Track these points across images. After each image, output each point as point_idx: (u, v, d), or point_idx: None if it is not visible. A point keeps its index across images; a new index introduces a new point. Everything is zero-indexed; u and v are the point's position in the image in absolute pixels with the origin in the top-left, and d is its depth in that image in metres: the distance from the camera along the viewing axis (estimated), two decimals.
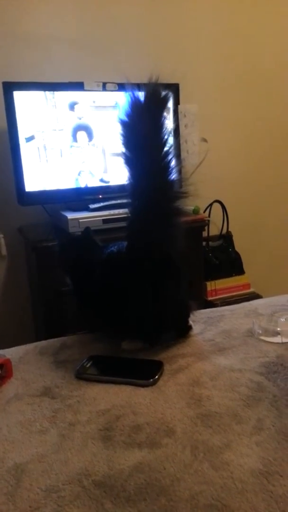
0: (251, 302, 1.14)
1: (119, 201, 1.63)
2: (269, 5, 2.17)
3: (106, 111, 1.72)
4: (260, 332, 0.90)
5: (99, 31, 1.87)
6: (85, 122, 1.70)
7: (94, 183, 1.75)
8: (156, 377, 0.76)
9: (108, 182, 1.77)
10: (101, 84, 1.68)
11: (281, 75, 2.26)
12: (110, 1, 1.87)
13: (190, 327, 0.92)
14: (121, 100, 1.72)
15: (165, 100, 0.86)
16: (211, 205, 2.10)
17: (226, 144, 2.20)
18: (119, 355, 0.86)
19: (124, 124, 0.84)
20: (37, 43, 1.77)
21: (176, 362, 0.82)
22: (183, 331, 0.92)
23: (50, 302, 1.56)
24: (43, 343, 0.95)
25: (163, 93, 0.85)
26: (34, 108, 1.60)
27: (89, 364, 0.82)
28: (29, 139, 1.62)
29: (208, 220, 2.00)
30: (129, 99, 0.83)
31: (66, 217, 1.55)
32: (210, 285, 1.95)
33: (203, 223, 1.84)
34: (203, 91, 2.08)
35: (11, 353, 0.90)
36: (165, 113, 0.85)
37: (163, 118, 0.85)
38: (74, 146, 1.70)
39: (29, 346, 0.94)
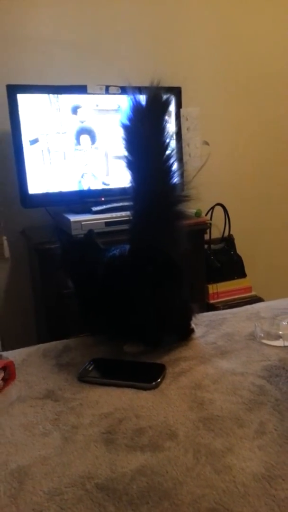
0: (253, 305, 1.14)
1: (121, 204, 1.63)
2: (271, 7, 2.18)
3: (108, 115, 1.73)
4: (262, 335, 0.90)
5: (101, 34, 1.88)
6: (88, 125, 1.70)
7: (97, 185, 1.76)
8: (159, 380, 0.76)
9: (108, 184, 1.77)
10: (104, 87, 1.69)
11: (283, 78, 2.27)
12: (113, 5, 1.88)
13: (192, 330, 0.93)
14: (123, 104, 1.73)
15: (166, 104, 0.86)
16: (213, 208, 2.10)
17: (228, 147, 2.20)
18: (121, 358, 0.86)
19: (125, 128, 0.84)
20: (40, 46, 1.78)
21: (178, 365, 0.82)
22: (185, 334, 0.92)
23: (52, 304, 1.56)
24: (46, 345, 0.96)
25: (165, 96, 0.86)
26: (38, 111, 1.61)
27: (91, 367, 0.82)
28: (33, 142, 1.62)
29: (210, 223, 2.00)
30: (131, 103, 0.83)
31: (68, 219, 1.55)
32: (212, 288, 1.95)
33: (205, 226, 1.85)
34: (205, 94, 2.09)
35: (14, 355, 0.90)
36: (166, 117, 0.86)
37: (164, 122, 0.85)
38: (77, 149, 1.70)
39: (32, 349, 0.94)
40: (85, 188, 1.75)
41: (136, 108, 0.83)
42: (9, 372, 0.81)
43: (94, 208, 1.65)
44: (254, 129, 2.26)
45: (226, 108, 2.18)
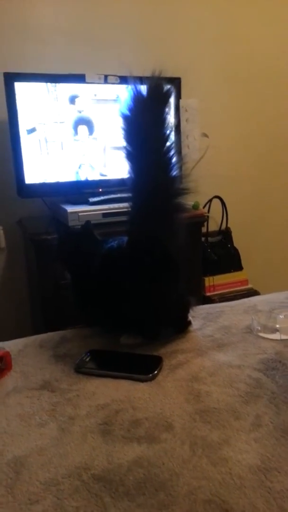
0: (250, 298, 1.14)
1: (119, 195, 1.62)
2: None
3: (107, 105, 1.71)
4: (259, 328, 0.90)
5: (101, 23, 1.86)
6: (86, 115, 1.69)
7: (94, 176, 1.75)
8: (155, 372, 0.76)
9: (106, 175, 1.76)
10: (102, 76, 1.67)
11: (284, 70, 2.25)
12: None
13: (189, 323, 0.93)
14: (122, 94, 1.71)
15: (167, 95, 0.85)
16: (210, 200, 2.10)
17: (227, 140, 2.19)
18: (118, 350, 0.86)
19: (125, 118, 0.83)
20: (38, 34, 1.76)
21: (175, 358, 0.82)
22: (182, 326, 0.92)
23: (48, 295, 1.55)
24: (42, 336, 0.95)
25: (166, 87, 0.85)
26: (36, 100, 1.59)
27: (88, 358, 0.82)
28: (31, 131, 1.61)
29: (208, 216, 2.00)
30: (132, 93, 0.82)
31: (65, 210, 1.54)
32: (208, 281, 1.96)
33: (203, 219, 1.84)
34: (205, 86, 2.07)
35: (11, 345, 0.90)
36: (167, 108, 0.85)
37: (165, 113, 0.84)
38: (75, 140, 1.69)
39: (29, 339, 0.94)
40: (83, 178, 1.73)
41: (137, 98, 0.82)
42: (5, 362, 0.81)
43: (92, 199, 1.64)
44: (254, 122, 2.25)
45: (226, 100, 2.16)
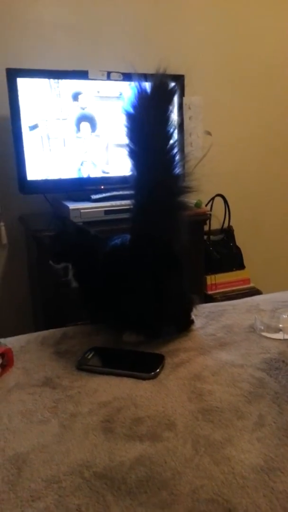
0: (253, 297, 1.14)
1: (121, 192, 1.62)
2: None
3: (110, 102, 1.71)
4: (262, 328, 0.89)
5: (104, 19, 1.85)
6: (88, 112, 1.68)
7: (97, 173, 1.74)
8: (157, 370, 0.76)
9: (108, 173, 1.75)
10: (105, 73, 1.66)
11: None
12: None
13: (192, 321, 0.92)
14: (125, 91, 1.70)
15: (172, 93, 0.85)
16: (213, 199, 2.09)
17: (230, 138, 2.18)
18: (120, 347, 0.86)
19: (129, 115, 0.82)
20: (41, 30, 1.75)
21: (178, 356, 0.82)
22: (185, 325, 0.92)
23: (49, 292, 1.55)
24: (44, 333, 0.95)
25: (171, 85, 0.84)
26: (38, 96, 1.59)
27: (90, 356, 0.82)
28: (33, 127, 1.60)
29: (210, 214, 1.99)
30: (136, 90, 0.82)
31: (67, 207, 1.54)
32: (210, 279, 1.95)
33: (205, 217, 1.84)
34: (208, 83, 2.06)
35: (13, 342, 0.89)
36: (171, 106, 0.84)
37: (169, 111, 0.84)
38: (77, 137, 1.68)
39: (31, 336, 0.94)
40: (85, 176, 1.73)
41: (141, 96, 0.81)
42: (7, 359, 0.81)
43: (94, 196, 1.64)
44: (257, 120, 2.24)
45: (229, 98, 2.15)
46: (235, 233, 2.14)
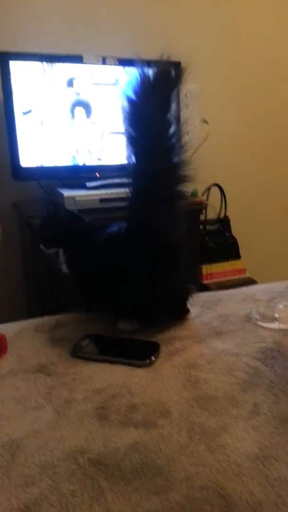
0: (249, 287, 1.14)
1: (117, 180, 1.60)
2: None
3: (105, 87, 1.68)
4: (258, 317, 0.89)
5: (99, 3, 1.81)
6: (83, 98, 1.66)
7: (92, 161, 1.72)
8: (153, 358, 0.76)
9: (103, 160, 1.74)
10: (100, 57, 1.63)
11: (287, 58, 2.22)
12: None
13: (187, 310, 0.92)
14: (121, 76, 1.68)
15: (176, 81, 0.83)
16: (209, 188, 2.08)
17: (227, 127, 2.17)
18: (115, 335, 0.86)
19: (130, 101, 0.81)
20: (34, 12, 1.71)
21: (173, 344, 0.81)
22: (181, 314, 0.91)
23: (44, 279, 1.54)
24: (38, 320, 0.94)
25: (174, 73, 0.83)
26: (32, 81, 1.56)
27: (85, 343, 0.81)
28: (26, 113, 1.58)
29: (206, 204, 1.98)
30: (138, 76, 0.80)
31: (62, 194, 1.52)
32: (206, 269, 1.95)
33: (201, 207, 1.83)
34: (206, 70, 2.03)
35: (6, 329, 0.89)
36: (173, 94, 0.83)
37: (171, 99, 0.82)
38: (72, 123, 1.66)
39: (25, 323, 0.93)
40: (80, 163, 1.71)
41: (143, 82, 0.80)
42: (1, 345, 0.80)
43: (89, 184, 1.62)
44: (255, 109, 2.22)
45: (227, 86, 2.13)
46: (231, 223, 2.14)
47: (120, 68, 1.66)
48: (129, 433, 0.59)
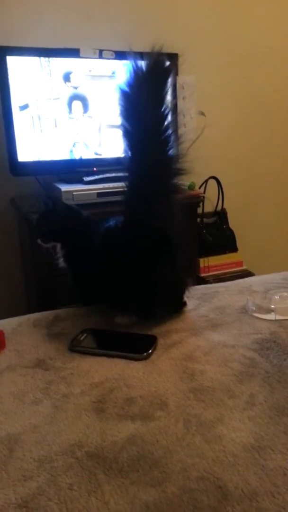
0: (245, 279, 1.14)
1: (114, 175, 1.60)
2: None
3: (102, 81, 1.67)
4: (254, 309, 0.90)
5: None
6: (80, 92, 1.65)
7: (89, 155, 1.72)
8: (150, 351, 0.76)
9: (101, 154, 1.73)
10: (97, 51, 1.63)
11: (285, 50, 2.21)
12: None
13: (184, 303, 0.92)
14: (118, 69, 1.67)
15: (168, 71, 0.83)
16: (206, 181, 2.08)
17: (224, 119, 2.16)
18: (112, 329, 0.86)
19: (124, 94, 0.81)
20: (31, 7, 1.70)
21: (170, 337, 0.82)
22: (178, 307, 0.92)
23: (42, 275, 1.54)
24: (36, 315, 0.95)
25: (166, 63, 0.82)
26: (29, 75, 1.55)
27: (82, 337, 0.82)
28: (23, 107, 1.57)
29: (203, 197, 1.98)
30: (131, 68, 0.80)
31: (59, 189, 1.52)
32: (203, 262, 1.95)
33: (198, 199, 1.82)
34: (203, 62, 2.02)
35: (4, 324, 0.89)
36: (167, 85, 0.82)
37: (165, 90, 0.82)
38: (70, 118, 1.65)
39: (23, 318, 0.93)
40: (77, 157, 1.70)
41: (137, 74, 0.80)
42: None
43: (86, 178, 1.62)
44: (252, 102, 2.21)
45: (224, 78, 2.12)
46: (228, 215, 2.13)
47: (117, 61, 1.65)
48: (127, 426, 0.60)
